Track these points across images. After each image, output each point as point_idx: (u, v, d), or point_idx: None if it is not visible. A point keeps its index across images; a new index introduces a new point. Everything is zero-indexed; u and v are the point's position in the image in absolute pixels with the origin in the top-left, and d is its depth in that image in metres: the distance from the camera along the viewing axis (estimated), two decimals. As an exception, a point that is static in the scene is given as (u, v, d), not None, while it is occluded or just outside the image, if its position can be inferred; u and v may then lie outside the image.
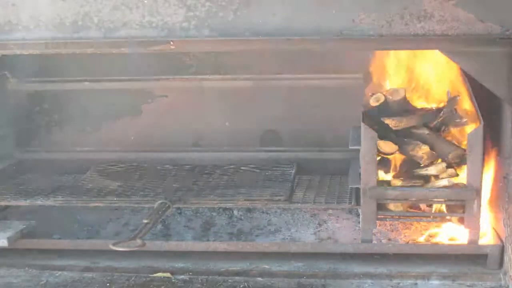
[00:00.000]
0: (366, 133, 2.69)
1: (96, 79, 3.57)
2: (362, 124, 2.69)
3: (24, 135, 3.70)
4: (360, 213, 2.77)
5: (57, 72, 3.58)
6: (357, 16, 2.27)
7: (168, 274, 2.80)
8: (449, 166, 2.76)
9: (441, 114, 2.81)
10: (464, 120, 2.75)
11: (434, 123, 2.82)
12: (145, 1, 2.32)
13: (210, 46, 2.44)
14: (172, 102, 3.60)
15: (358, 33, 2.28)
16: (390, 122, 2.78)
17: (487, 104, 2.72)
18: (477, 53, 2.37)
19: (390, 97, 2.84)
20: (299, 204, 3.03)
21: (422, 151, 2.76)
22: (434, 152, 2.77)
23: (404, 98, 2.85)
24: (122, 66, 3.45)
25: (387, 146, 2.76)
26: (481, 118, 2.64)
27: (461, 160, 2.73)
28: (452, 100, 2.81)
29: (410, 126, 2.82)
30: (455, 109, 2.79)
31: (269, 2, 2.30)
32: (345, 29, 2.28)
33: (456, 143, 2.78)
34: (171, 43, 2.37)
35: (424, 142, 2.78)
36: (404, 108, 2.88)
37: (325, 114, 3.47)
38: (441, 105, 2.88)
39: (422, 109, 2.90)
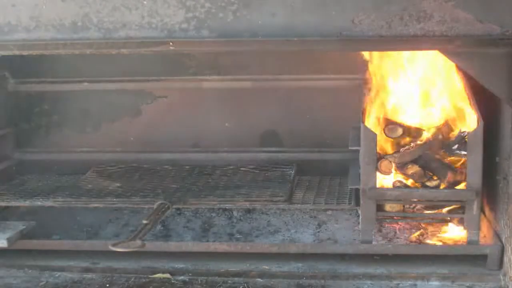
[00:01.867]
0: (366, 133, 2.69)
1: (95, 79, 3.57)
2: (362, 125, 2.69)
3: (24, 136, 3.69)
4: (360, 214, 2.77)
5: (56, 72, 3.58)
6: (356, 17, 2.27)
7: (168, 275, 2.80)
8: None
9: (444, 149, 2.82)
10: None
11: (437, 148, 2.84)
12: (145, 2, 2.32)
13: (210, 47, 2.43)
14: (172, 103, 3.60)
15: (357, 34, 2.28)
16: (394, 159, 2.79)
17: (487, 104, 2.72)
18: (476, 53, 2.36)
19: (388, 134, 2.85)
20: (299, 205, 3.03)
21: (412, 170, 2.79)
22: (428, 172, 2.80)
23: (402, 135, 2.85)
24: (122, 66, 3.45)
25: (385, 167, 2.78)
26: (481, 118, 2.64)
27: (459, 182, 2.76)
28: (460, 137, 2.79)
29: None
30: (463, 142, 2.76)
31: (269, 3, 2.29)
32: (344, 29, 2.28)
33: (456, 167, 2.80)
34: (171, 44, 2.37)
35: (425, 164, 2.80)
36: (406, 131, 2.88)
37: (324, 114, 3.47)
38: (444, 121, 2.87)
39: (424, 140, 2.86)
